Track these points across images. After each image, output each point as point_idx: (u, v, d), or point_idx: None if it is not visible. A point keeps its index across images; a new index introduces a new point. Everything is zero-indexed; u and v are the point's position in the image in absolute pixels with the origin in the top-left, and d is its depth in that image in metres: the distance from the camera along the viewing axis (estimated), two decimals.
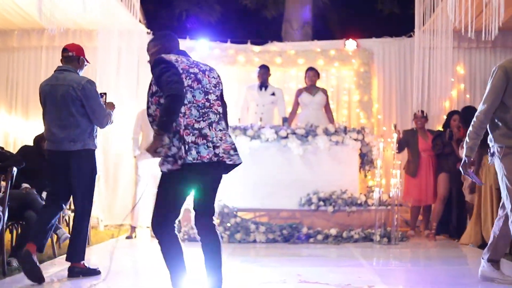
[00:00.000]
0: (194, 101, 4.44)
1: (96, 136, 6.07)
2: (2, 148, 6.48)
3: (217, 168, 4.55)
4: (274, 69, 10.97)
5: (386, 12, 15.94)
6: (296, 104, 10.45)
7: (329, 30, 16.65)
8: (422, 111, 9.76)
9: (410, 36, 11.31)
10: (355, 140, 9.25)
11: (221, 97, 4.73)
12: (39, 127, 8.60)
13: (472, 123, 5.42)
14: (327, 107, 10.43)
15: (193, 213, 4.68)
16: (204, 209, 4.62)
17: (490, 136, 5.42)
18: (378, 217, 8.60)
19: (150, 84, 4.57)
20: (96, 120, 5.94)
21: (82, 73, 6.16)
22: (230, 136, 4.63)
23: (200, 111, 4.47)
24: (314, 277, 5.82)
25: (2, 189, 6.22)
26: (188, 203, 4.72)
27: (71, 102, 5.83)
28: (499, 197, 7.76)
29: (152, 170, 9.09)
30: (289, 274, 6.00)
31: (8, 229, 6.78)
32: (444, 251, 8.13)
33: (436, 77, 9.68)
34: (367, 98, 11.33)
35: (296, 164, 9.23)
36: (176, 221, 4.63)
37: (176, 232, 4.64)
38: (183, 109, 4.39)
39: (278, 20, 15.20)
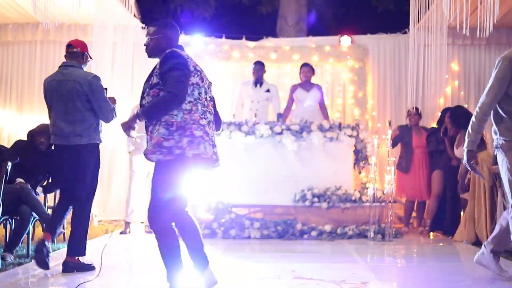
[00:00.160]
0: (200, 99, 4.60)
1: (101, 130, 6.14)
2: None
3: (210, 165, 4.74)
4: (269, 65, 10.97)
5: (381, 8, 15.93)
6: (291, 100, 10.45)
7: (324, 27, 16.64)
8: (417, 108, 9.78)
9: (405, 32, 11.33)
10: (350, 136, 9.25)
11: (213, 99, 4.85)
12: (33, 122, 8.60)
13: (475, 114, 5.32)
14: (321, 103, 10.45)
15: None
16: (185, 200, 4.74)
17: (494, 129, 5.35)
18: (372, 213, 8.61)
19: (151, 75, 4.60)
20: (102, 115, 6.02)
21: (85, 68, 6.24)
22: None
23: (203, 109, 4.61)
24: (308, 273, 5.82)
25: None
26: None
27: (78, 97, 5.91)
28: (491, 195, 7.83)
29: (146, 165, 9.11)
30: (283, 270, 6.00)
31: (2, 224, 6.78)
32: (438, 247, 8.14)
33: (431, 74, 9.70)
34: (361, 94, 11.35)
35: (291, 160, 9.24)
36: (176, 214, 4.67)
37: (173, 226, 4.66)
38: (189, 106, 4.51)
39: (273, 16, 15.19)
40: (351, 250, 7.61)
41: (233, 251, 7.53)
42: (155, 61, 4.75)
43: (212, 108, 4.77)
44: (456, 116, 8.49)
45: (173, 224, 4.68)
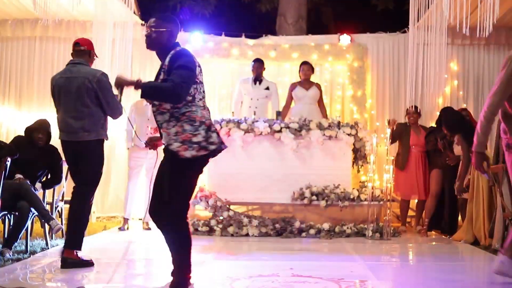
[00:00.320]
0: (205, 96, 4.73)
1: (107, 127, 6.25)
2: None
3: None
4: (268, 62, 10.95)
5: (380, 7, 15.93)
6: (290, 98, 10.45)
7: (323, 25, 16.65)
8: (416, 107, 9.78)
9: (404, 32, 11.33)
10: (349, 135, 9.25)
11: None
12: (31, 117, 8.60)
13: (483, 115, 5.17)
14: (320, 101, 10.45)
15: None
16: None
17: (504, 128, 5.29)
18: (370, 212, 8.62)
19: (159, 73, 4.62)
20: (110, 111, 6.12)
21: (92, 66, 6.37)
22: None
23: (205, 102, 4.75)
24: (306, 271, 5.83)
25: None
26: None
27: (86, 93, 6.00)
28: (490, 195, 7.84)
29: (144, 162, 9.12)
30: (282, 267, 6.00)
31: (0, 219, 6.78)
32: (436, 247, 8.16)
33: (430, 73, 9.68)
34: (360, 93, 11.34)
35: (289, 158, 9.24)
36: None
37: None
38: (201, 103, 4.64)
39: (272, 14, 15.18)
40: (349, 249, 7.62)
41: (231, 249, 7.55)
42: (155, 57, 4.75)
43: None
44: (450, 123, 8.51)
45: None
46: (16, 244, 6.72)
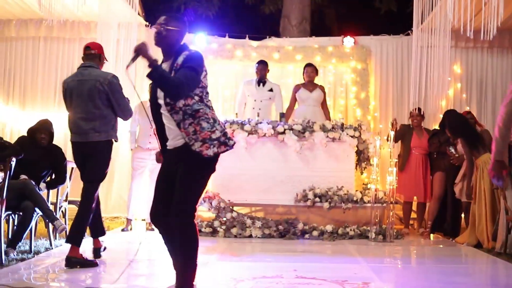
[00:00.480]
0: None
1: (117, 129, 6.40)
2: (1, 138, 6.47)
3: None
4: (272, 64, 10.97)
5: (383, 10, 15.93)
6: (294, 100, 10.48)
7: (326, 27, 16.65)
8: (419, 109, 9.78)
9: (408, 34, 11.34)
10: (352, 137, 9.25)
11: None
12: (35, 117, 8.60)
13: (502, 121, 5.05)
14: (324, 103, 10.47)
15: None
16: None
17: None
18: (373, 214, 8.62)
19: (170, 71, 4.63)
20: (121, 112, 6.31)
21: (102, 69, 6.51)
22: None
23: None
24: (310, 273, 5.83)
25: (0, 179, 6.23)
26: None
27: (98, 95, 6.15)
28: (492, 198, 7.85)
29: (148, 163, 9.12)
30: (285, 269, 6.01)
31: (4, 219, 6.78)
32: (439, 249, 8.15)
33: (434, 76, 9.69)
34: (364, 95, 11.35)
35: (293, 160, 9.25)
36: None
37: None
38: (208, 104, 4.67)
39: (276, 16, 15.19)
40: (353, 251, 7.62)
41: (235, 250, 7.55)
42: (159, 57, 4.74)
43: None
44: (453, 126, 8.51)
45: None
46: (20, 244, 6.74)
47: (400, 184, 9.40)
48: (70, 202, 8.27)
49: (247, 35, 11.66)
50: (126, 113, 6.38)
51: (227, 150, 4.65)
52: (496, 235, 7.53)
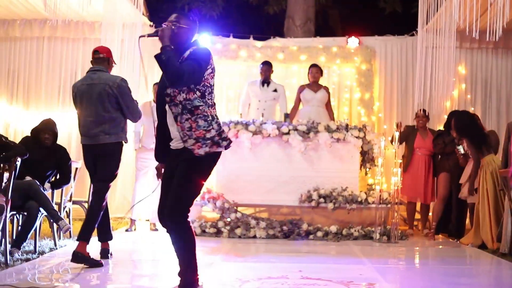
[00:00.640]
0: (214, 99, 4.73)
1: (127, 131, 6.52)
2: (6, 138, 6.47)
3: None
4: (276, 64, 10.96)
5: (388, 10, 15.90)
6: (298, 100, 10.48)
7: (331, 27, 16.64)
8: (424, 110, 9.77)
9: (412, 34, 11.33)
10: (357, 137, 9.23)
11: None
12: (39, 117, 8.60)
13: None
14: (328, 104, 10.47)
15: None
16: None
17: None
18: (378, 215, 8.61)
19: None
20: (130, 115, 6.43)
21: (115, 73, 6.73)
22: None
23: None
24: (315, 273, 5.82)
25: (5, 180, 6.22)
26: None
27: (107, 98, 6.27)
28: (496, 199, 7.84)
29: (151, 163, 9.10)
30: (290, 270, 6.00)
31: (9, 219, 6.78)
32: (444, 250, 8.14)
33: (439, 77, 9.68)
34: (368, 96, 11.34)
35: (297, 160, 9.23)
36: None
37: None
38: (210, 102, 4.66)
39: (280, 16, 15.18)
40: (357, 251, 7.61)
41: (239, 250, 7.54)
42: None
43: None
44: (461, 125, 8.49)
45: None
46: (24, 244, 6.73)
47: (403, 184, 9.38)
48: (75, 202, 8.29)
49: (251, 36, 11.65)
50: (135, 115, 6.51)
51: (219, 150, 4.62)
52: (501, 236, 7.52)
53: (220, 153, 4.69)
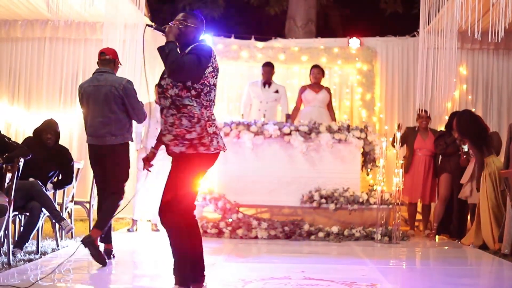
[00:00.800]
0: (214, 100, 4.74)
1: (132, 131, 6.66)
2: (9, 139, 6.48)
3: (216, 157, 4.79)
4: (277, 65, 10.97)
5: (389, 11, 15.90)
6: (300, 101, 10.49)
7: (332, 28, 16.64)
8: (426, 111, 9.77)
9: (414, 35, 11.33)
10: (358, 138, 9.24)
11: None
12: (40, 118, 8.62)
13: None
14: (329, 105, 10.49)
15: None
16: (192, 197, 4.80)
17: None
18: (379, 215, 8.61)
19: None
20: (135, 116, 6.54)
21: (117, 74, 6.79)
22: None
23: (213, 107, 4.74)
24: (318, 274, 5.83)
25: (7, 180, 6.23)
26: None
27: (113, 100, 6.39)
28: (494, 200, 7.85)
29: (154, 164, 9.09)
30: (293, 270, 6.00)
31: (12, 220, 6.79)
32: (445, 251, 8.15)
33: (441, 78, 9.67)
34: (369, 96, 11.34)
35: (299, 161, 9.24)
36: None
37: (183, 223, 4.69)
38: (205, 103, 4.62)
39: (281, 17, 15.18)
40: (359, 252, 7.62)
41: (241, 251, 7.55)
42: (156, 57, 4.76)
43: None
44: (462, 123, 8.49)
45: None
46: (26, 244, 6.74)
47: (404, 185, 9.39)
48: (76, 203, 8.28)
49: (252, 36, 11.65)
50: (141, 117, 6.60)
51: (196, 154, 4.59)
52: (502, 237, 7.52)
53: (212, 154, 4.67)
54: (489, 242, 7.90)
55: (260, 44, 11.57)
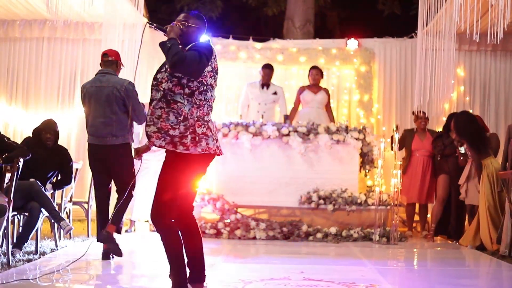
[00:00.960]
0: (209, 100, 4.68)
1: (133, 132, 6.78)
2: (8, 139, 6.48)
3: (212, 159, 4.79)
4: (276, 66, 10.97)
5: (386, 12, 15.91)
6: (298, 102, 10.51)
7: (330, 29, 16.64)
8: (424, 112, 9.78)
9: (411, 37, 11.35)
10: (357, 139, 9.27)
11: None
12: (38, 118, 8.62)
13: None
14: (328, 106, 10.50)
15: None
16: (190, 198, 4.83)
17: None
18: (377, 216, 8.62)
19: None
20: (136, 117, 6.63)
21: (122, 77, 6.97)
22: None
23: (209, 108, 4.70)
24: (317, 274, 5.83)
25: (7, 180, 6.23)
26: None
27: (115, 101, 6.51)
28: (491, 202, 7.86)
29: (151, 164, 9.11)
30: (292, 271, 6.01)
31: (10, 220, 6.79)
32: (444, 251, 8.16)
33: (439, 79, 9.68)
34: (367, 97, 11.35)
35: (297, 162, 9.26)
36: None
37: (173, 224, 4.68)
38: (198, 102, 4.57)
39: (280, 18, 15.18)
40: (357, 253, 7.63)
41: (240, 252, 7.56)
42: (163, 57, 4.75)
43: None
44: (459, 125, 8.50)
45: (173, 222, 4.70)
46: (25, 244, 6.73)
47: (403, 186, 9.40)
48: (75, 203, 8.28)
49: (251, 37, 11.65)
50: (141, 118, 6.66)
51: (173, 151, 4.58)
52: (500, 238, 7.54)
53: (202, 155, 4.64)
54: (487, 243, 7.92)
55: (259, 45, 11.57)
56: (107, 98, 6.52)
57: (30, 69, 11.22)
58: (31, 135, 7.54)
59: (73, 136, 10.86)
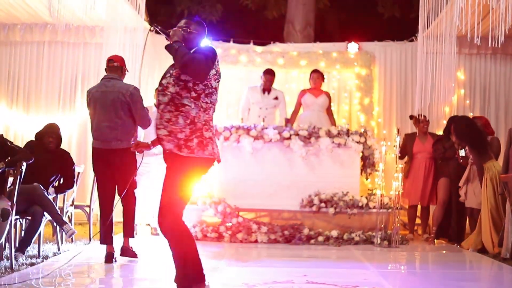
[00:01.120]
0: (214, 103, 4.78)
1: (137, 136, 6.86)
2: (11, 143, 6.50)
3: (212, 163, 4.80)
4: (276, 70, 10.96)
5: (386, 15, 15.92)
6: (299, 105, 10.52)
7: (330, 33, 16.63)
8: (424, 115, 9.79)
9: (412, 40, 11.37)
10: (358, 142, 9.27)
11: None
12: (39, 122, 8.63)
13: None
14: (329, 109, 10.51)
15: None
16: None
17: None
18: (379, 220, 8.63)
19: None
20: (141, 121, 6.78)
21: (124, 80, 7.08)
22: None
23: (213, 112, 4.78)
24: (320, 278, 5.85)
25: (9, 184, 6.23)
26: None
27: (120, 106, 6.61)
28: (494, 205, 7.87)
29: (152, 168, 9.12)
30: (295, 274, 6.02)
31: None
32: (445, 255, 8.16)
33: (440, 82, 9.69)
34: (368, 101, 11.36)
35: (298, 165, 9.26)
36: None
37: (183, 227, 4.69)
38: (204, 105, 4.62)
39: (280, 21, 15.18)
40: (359, 256, 7.63)
41: (242, 255, 7.57)
42: (164, 61, 4.81)
43: None
44: (459, 129, 8.52)
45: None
46: (28, 248, 6.73)
47: (404, 189, 9.41)
48: (76, 207, 8.28)
49: (251, 41, 11.66)
50: (146, 122, 6.88)
51: (177, 155, 4.61)
52: (502, 241, 7.54)
53: (206, 159, 4.67)
54: (488, 246, 7.92)
55: (259, 49, 11.58)
56: (113, 103, 6.64)
57: (31, 73, 11.23)
58: (33, 139, 7.55)
59: (74, 140, 10.84)
